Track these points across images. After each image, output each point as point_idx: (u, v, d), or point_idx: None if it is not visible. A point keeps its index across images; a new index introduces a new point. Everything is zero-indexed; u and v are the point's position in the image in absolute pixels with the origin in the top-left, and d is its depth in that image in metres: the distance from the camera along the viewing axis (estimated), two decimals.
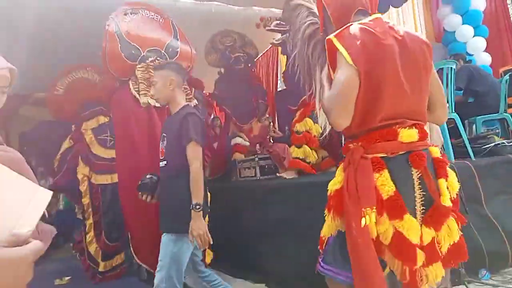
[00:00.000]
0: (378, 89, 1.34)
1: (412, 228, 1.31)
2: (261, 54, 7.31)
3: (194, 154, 2.10)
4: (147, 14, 3.19)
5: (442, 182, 1.37)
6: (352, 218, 1.33)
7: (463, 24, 4.98)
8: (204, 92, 8.31)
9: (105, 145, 3.85)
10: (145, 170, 2.43)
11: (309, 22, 2.83)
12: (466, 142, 3.40)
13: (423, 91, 1.44)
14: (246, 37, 5.12)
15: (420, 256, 1.31)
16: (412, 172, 1.34)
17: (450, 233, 1.38)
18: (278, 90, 6.55)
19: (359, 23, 1.44)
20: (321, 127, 2.25)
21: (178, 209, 2.10)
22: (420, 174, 1.34)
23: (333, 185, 1.49)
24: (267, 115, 5.33)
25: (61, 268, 4.44)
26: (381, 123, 1.37)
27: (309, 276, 2.83)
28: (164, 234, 2.17)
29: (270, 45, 5.51)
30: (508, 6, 5.31)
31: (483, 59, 4.93)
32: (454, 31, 5.03)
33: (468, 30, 4.94)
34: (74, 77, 4.17)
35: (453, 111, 3.50)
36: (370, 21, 1.46)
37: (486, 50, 4.96)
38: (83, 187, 3.89)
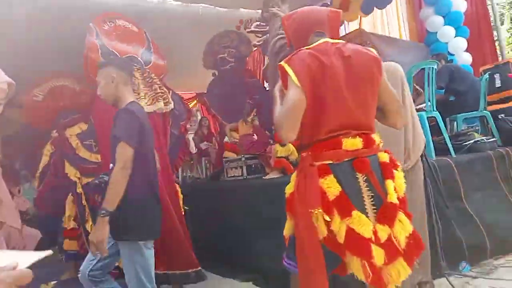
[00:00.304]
0: (322, 106, 1.53)
1: (362, 223, 1.44)
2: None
3: (119, 155, 1.91)
4: (123, 23, 3.28)
5: (389, 182, 1.52)
6: (300, 219, 1.50)
7: (445, 25, 5.10)
8: (192, 92, 8.37)
9: (91, 150, 3.86)
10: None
11: (280, 36, 2.93)
12: (447, 139, 3.49)
13: (369, 104, 1.60)
14: (242, 35, 5.10)
15: (379, 254, 1.42)
16: (357, 176, 1.50)
17: (403, 226, 1.49)
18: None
19: (307, 48, 1.63)
20: None
21: (128, 215, 1.93)
22: (366, 177, 1.50)
23: (289, 189, 1.66)
24: (254, 115, 5.37)
25: (46, 272, 4.41)
26: (327, 135, 1.54)
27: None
28: (118, 243, 2.01)
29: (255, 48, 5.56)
30: (488, 7, 5.47)
31: (464, 58, 5.06)
32: (436, 32, 5.14)
33: (450, 30, 5.05)
34: (54, 84, 4.16)
35: (434, 109, 3.59)
36: (318, 45, 1.64)
37: (467, 50, 5.08)
38: (79, 188, 3.89)
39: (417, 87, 4.28)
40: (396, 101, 1.70)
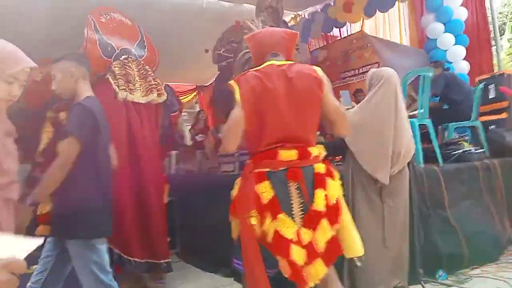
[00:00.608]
0: (263, 123, 1.76)
1: (286, 225, 1.64)
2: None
3: (63, 150, 1.86)
4: (118, 16, 3.35)
5: (318, 192, 1.70)
6: (240, 221, 1.72)
7: (445, 32, 5.14)
8: (193, 84, 8.38)
9: None
10: (122, 162, 2.49)
11: (246, 50, 3.05)
12: (436, 147, 3.55)
13: (308, 120, 1.81)
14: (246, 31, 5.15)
15: (300, 254, 1.62)
16: (290, 184, 1.70)
17: (324, 232, 1.67)
18: None
19: (253, 71, 1.85)
20: None
21: (76, 213, 1.88)
22: (298, 185, 1.70)
23: (233, 193, 1.87)
24: None
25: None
26: (266, 147, 1.75)
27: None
28: (68, 244, 1.94)
29: None
30: (488, 18, 5.50)
31: (462, 67, 5.10)
32: (436, 39, 5.18)
33: (450, 38, 5.09)
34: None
35: (427, 117, 3.64)
36: (264, 67, 1.85)
37: (465, 59, 5.12)
38: None
39: (412, 94, 4.34)
40: (340, 113, 1.87)
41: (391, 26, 6.64)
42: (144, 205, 3.00)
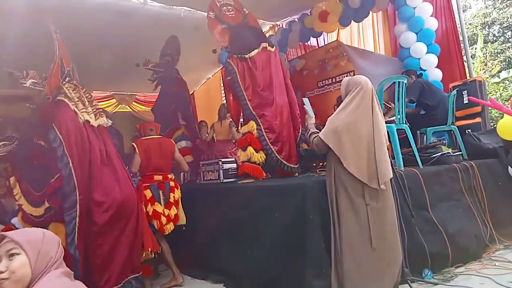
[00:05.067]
0: (148, 163, 3.79)
1: (157, 207, 3.68)
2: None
3: None
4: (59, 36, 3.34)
5: (171, 194, 3.78)
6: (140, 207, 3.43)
7: (417, 41, 5.32)
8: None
9: None
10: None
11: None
12: (415, 151, 3.65)
13: (168, 161, 3.94)
14: (177, 41, 5.35)
15: (164, 219, 3.68)
16: (160, 190, 3.73)
17: (175, 210, 3.80)
18: None
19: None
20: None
21: None
22: (163, 190, 3.73)
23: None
24: (229, 119, 5.45)
25: None
26: (148, 173, 3.78)
27: (265, 274, 2.95)
28: None
29: None
30: (457, 27, 5.74)
31: (435, 74, 5.27)
32: (409, 48, 5.36)
33: (422, 47, 5.26)
34: None
35: (404, 122, 3.75)
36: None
37: (437, 66, 5.31)
38: None
39: (386, 103, 4.46)
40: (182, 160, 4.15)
41: (365, 35, 6.82)
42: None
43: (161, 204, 3.66)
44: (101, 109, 3.27)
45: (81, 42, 5.40)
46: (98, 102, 8.29)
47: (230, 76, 3.78)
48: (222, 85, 8.30)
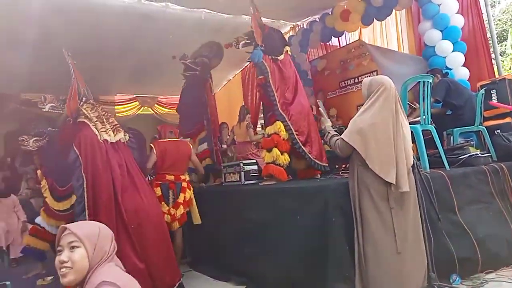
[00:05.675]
0: (164, 162, 3.97)
1: (164, 207, 3.80)
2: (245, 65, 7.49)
3: None
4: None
5: (181, 194, 3.92)
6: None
7: (442, 39, 5.17)
8: None
9: None
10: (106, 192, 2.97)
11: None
12: (441, 152, 3.54)
13: (185, 164, 4.12)
14: (221, 50, 5.10)
15: (168, 218, 3.79)
16: (170, 189, 3.89)
17: (180, 210, 3.91)
18: None
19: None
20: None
21: None
22: (173, 190, 3.90)
23: None
24: (248, 121, 5.44)
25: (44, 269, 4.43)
26: (162, 172, 3.94)
27: (287, 276, 2.93)
28: None
29: None
30: (485, 23, 5.54)
31: (462, 73, 5.11)
32: (434, 46, 5.21)
33: (447, 45, 5.11)
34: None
35: (429, 123, 3.64)
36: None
37: (464, 65, 5.14)
38: None
39: (411, 103, 4.35)
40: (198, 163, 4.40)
41: (388, 34, 6.69)
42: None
43: (168, 204, 3.84)
44: (118, 125, 3.38)
45: (104, 46, 5.55)
46: (122, 104, 8.60)
47: (263, 76, 3.76)
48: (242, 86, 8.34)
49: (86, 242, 1.43)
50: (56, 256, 1.44)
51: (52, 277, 4.03)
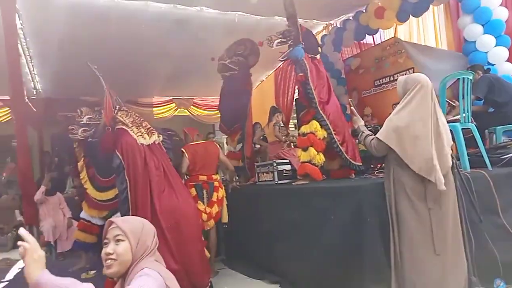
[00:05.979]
0: (195, 165, 4.10)
1: (200, 205, 3.92)
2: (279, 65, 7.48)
3: None
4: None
5: (214, 194, 4.08)
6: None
7: (484, 33, 4.96)
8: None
9: None
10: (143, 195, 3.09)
11: None
12: (483, 151, 3.40)
13: (214, 164, 4.25)
14: (256, 46, 5.05)
15: (205, 216, 3.94)
16: (204, 189, 4.05)
17: (215, 208, 4.06)
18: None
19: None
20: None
21: None
22: (206, 190, 4.06)
23: None
24: (277, 121, 5.43)
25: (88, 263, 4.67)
26: (195, 173, 4.09)
27: (321, 277, 2.93)
28: None
29: None
30: None
31: (506, 69, 4.87)
32: (475, 41, 5.00)
33: (489, 39, 4.89)
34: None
35: (470, 121, 3.51)
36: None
37: (508, 60, 4.90)
38: None
39: (450, 101, 4.21)
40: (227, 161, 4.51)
41: (425, 30, 6.49)
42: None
43: (203, 202, 3.99)
44: (151, 128, 3.49)
45: (142, 50, 5.76)
46: (159, 106, 8.87)
47: (303, 73, 3.75)
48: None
49: (130, 236, 1.50)
50: (103, 248, 1.53)
51: (95, 271, 4.24)
